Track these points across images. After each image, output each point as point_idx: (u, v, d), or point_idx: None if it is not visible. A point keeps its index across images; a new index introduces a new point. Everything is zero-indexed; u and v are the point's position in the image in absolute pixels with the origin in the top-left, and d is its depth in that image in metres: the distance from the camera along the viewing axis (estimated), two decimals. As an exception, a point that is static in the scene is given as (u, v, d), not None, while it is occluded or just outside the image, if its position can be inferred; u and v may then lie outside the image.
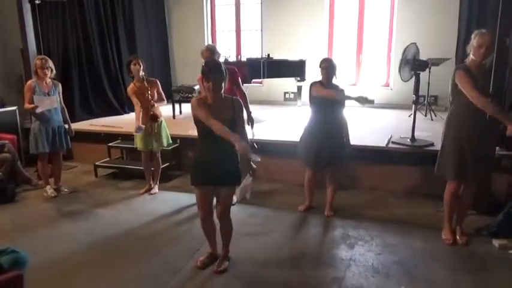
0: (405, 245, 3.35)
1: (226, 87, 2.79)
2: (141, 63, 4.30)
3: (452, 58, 6.12)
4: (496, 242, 3.31)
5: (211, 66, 2.67)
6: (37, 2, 5.42)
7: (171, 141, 4.71)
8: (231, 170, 2.81)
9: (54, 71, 4.38)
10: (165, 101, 4.57)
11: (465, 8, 6.06)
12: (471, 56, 3.09)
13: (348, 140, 3.83)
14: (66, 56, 6.44)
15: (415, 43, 4.50)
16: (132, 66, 4.29)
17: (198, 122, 2.73)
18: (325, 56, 7.54)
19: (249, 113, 4.02)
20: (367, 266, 3.05)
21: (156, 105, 4.36)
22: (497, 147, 3.93)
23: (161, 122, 4.47)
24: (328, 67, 3.69)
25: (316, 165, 3.85)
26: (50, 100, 4.31)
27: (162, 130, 4.48)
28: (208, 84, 2.63)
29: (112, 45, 7.10)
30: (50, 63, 4.32)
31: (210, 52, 3.90)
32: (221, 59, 4.08)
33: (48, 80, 4.35)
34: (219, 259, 3.02)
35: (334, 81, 3.76)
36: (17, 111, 5.57)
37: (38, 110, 4.24)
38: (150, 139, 4.41)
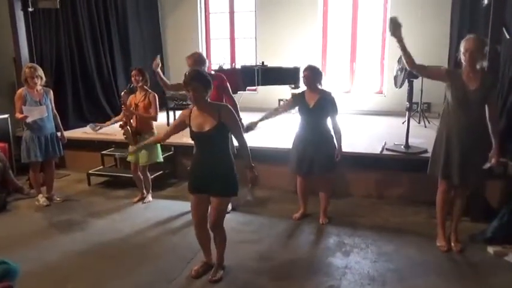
0: (401, 252, 3.34)
1: (211, 95, 2.79)
2: (137, 74, 4.25)
3: (444, 66, 6.18)
4: (491, 249, 3.32)
5: (191, 76, 2.69)
6: (30, 9, 5.40)
7: (160, 159, 4.50)
8: (226, 181, 2.79)
9: (44, 79, 4.33)
10: (154, 118, 4.32)
11: (456, 15, 6.13)
12: (463, 62, 3.11)
13: (339, 149, 3.78)
14: (60, 63, 6.41)
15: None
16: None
17: (190, 135, 2.79)
18: (319, 63, 7.62)
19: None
20: (363, 274, 3.03)
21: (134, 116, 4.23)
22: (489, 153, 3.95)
23: (144, 136, 4.25)
24: (308, 75, 3.70)
25: (298, 171, 3.85)
26: (39, 110, 4.25)
27: (149, 145, 4.23)
28: (189, 93, 2.67)
29: (106, 52, 7.09)
30: (40, 72, 4.27)
31: (193, 60, 3.80)
32: (215, 67, 4.04)
33: (39, 88, 4.30)
34: (214, 268, 3.00)
35: (324, 88, 3.78)
36: (9, 119, 5.52)
37: (29, 120, 4.19)
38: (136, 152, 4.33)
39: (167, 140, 4.87)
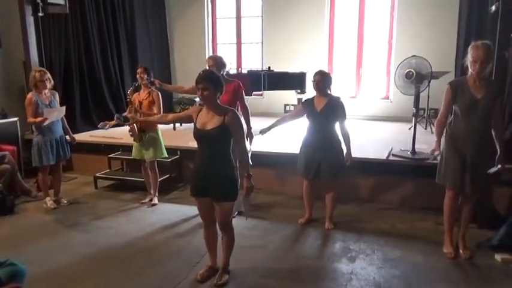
0: (407, 259, 3.32)
1: (222, 98, 2.86)
2: (142, 72, 4.36)
3: (451, 71, 6.16)
4: (498, 256, 3.28)
5: (202, 75, 2.74)
6: (40, 14, 5.48)
7: (164, 155, 4.58)
8: (225, 185, 2.79)
9: (52, 82, 4.39)
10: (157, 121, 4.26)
11: (463, 21, 6.11)
12: (470, 70, 3.05)
13: (349, 153, 3.80)
14: (68, 67, 6.48)
15: (422, 57, 4.48)
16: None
17: (193, 133, 2.81)
18: (326, 68, 7.62)
19: (249, 128, 3.99)
20: (369, 280, 3.02)
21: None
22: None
23: (149, 133, 4.37)
24: (318, 80, 3.72)
25: (306, 175, 3.87)
26: (58, 111, 4.33)
27: (154, 142, 4.42)
28: (199, 92, 2.73)
29: (113, 57, 7.16)
30: (48, 75, 4.34)
31: (213, 61, 3.90)
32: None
33: (47, 91, 4.35)
34: (219, 272, 3.00)
35: (333, 92, 3.80)
36: (18, 122, 5.58)
37: (47, 122, 4.20)
38: (140, 148, 4.42)
39: (173, 144, 4.93)
